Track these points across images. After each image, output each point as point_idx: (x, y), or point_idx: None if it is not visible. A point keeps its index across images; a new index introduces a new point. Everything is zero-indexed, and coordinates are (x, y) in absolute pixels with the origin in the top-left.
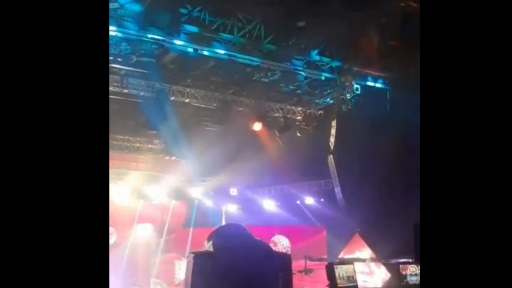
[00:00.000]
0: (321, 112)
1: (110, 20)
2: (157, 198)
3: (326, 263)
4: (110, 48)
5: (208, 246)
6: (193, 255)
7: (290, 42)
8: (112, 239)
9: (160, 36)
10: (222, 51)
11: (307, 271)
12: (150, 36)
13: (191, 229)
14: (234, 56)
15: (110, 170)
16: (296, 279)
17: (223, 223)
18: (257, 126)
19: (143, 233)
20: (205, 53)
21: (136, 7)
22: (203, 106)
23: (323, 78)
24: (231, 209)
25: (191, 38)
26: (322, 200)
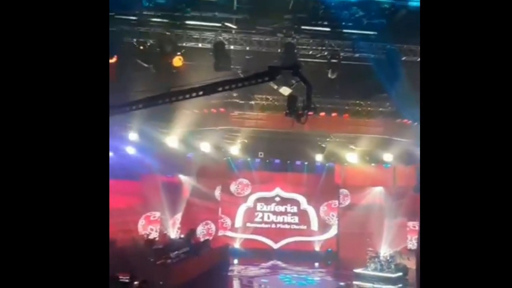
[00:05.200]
0: None
1: None
2: (389, 162)
3: None
4: (341, 13)
5: None
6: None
7: None
8: (347, 201)
9: None
10: None
11: None
12: None
13: None
14: None
15: (343, 135)
16: None
17: None
18: None
19: (375, 197)
20: None
21: None
22: None
23: None
24: None
25: None
26: None
